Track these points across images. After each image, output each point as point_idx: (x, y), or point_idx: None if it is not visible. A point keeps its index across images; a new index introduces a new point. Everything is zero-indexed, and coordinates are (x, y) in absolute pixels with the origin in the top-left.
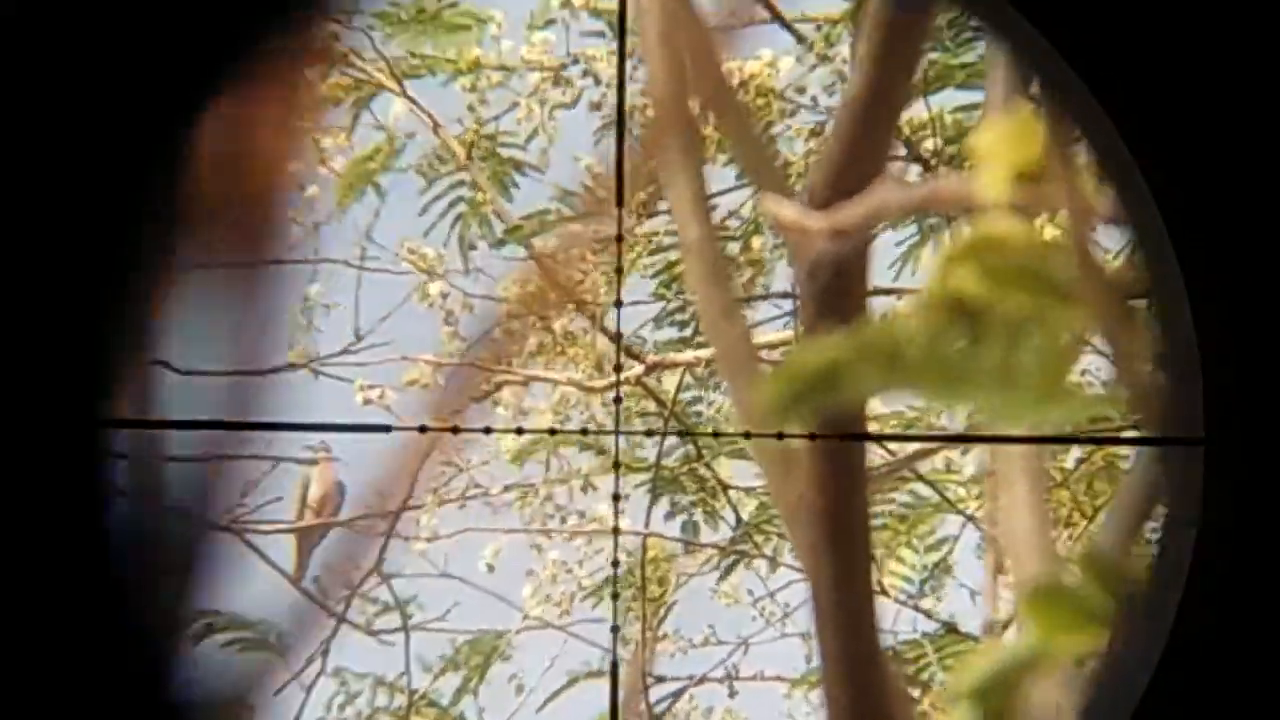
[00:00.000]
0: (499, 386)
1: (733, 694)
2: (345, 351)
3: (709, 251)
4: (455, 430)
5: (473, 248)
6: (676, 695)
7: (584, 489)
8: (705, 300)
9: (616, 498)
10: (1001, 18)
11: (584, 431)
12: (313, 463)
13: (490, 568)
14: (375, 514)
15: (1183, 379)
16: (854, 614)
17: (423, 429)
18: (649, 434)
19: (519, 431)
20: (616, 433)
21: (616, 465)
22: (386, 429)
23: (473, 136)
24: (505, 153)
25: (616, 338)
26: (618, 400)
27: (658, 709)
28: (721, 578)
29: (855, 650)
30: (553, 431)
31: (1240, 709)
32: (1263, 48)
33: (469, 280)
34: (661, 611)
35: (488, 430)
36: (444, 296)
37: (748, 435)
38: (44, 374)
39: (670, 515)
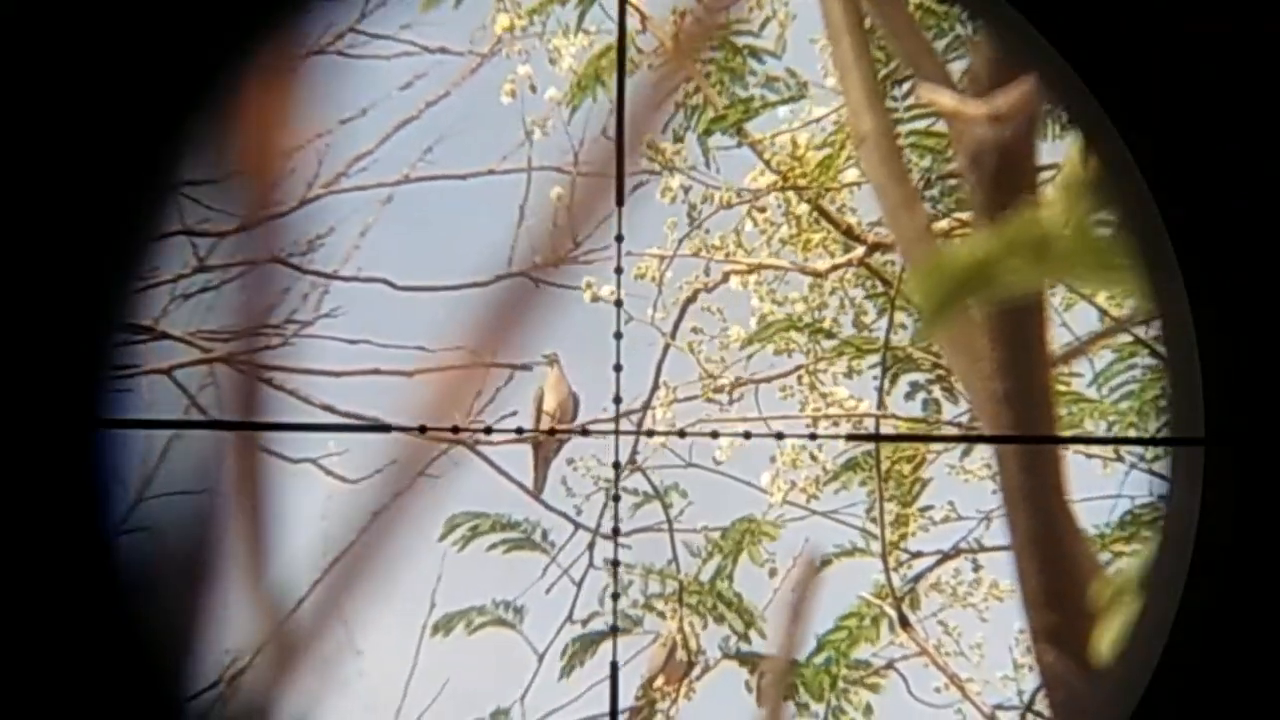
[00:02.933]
0: (726, 276)
1: (977, 569)
2: (567, 259)
3: (885, 142)
4: (455, 430)
5: (678, 139)
6: (918, 576)
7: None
8: (883, 191)
9: (616, 498)
10: (1001, 17)
11: (584, 432)
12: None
13: (717, 461)
14: (605, 420)
15: (1183, 379)
16: (1041, 494)
17: (423, 429)
18: (650, 434)
19: (519, 431)
20: (617, 432)
21: (616, 466)
22: (387, 428)
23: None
24: (740, 40)
25: (617, 336)
26: (617, 400)
27: (904, 588)
28: (964, 455)
29: (1043, 529)
30: (552, 431)
31: (1240, 707)
32: (1262, 48)
33: (709, 174)
34: (916, 489)
35: (488, 430)
36: (685, 190)
37: (747, 436)
38: (44, 374)
39: (910, 395)
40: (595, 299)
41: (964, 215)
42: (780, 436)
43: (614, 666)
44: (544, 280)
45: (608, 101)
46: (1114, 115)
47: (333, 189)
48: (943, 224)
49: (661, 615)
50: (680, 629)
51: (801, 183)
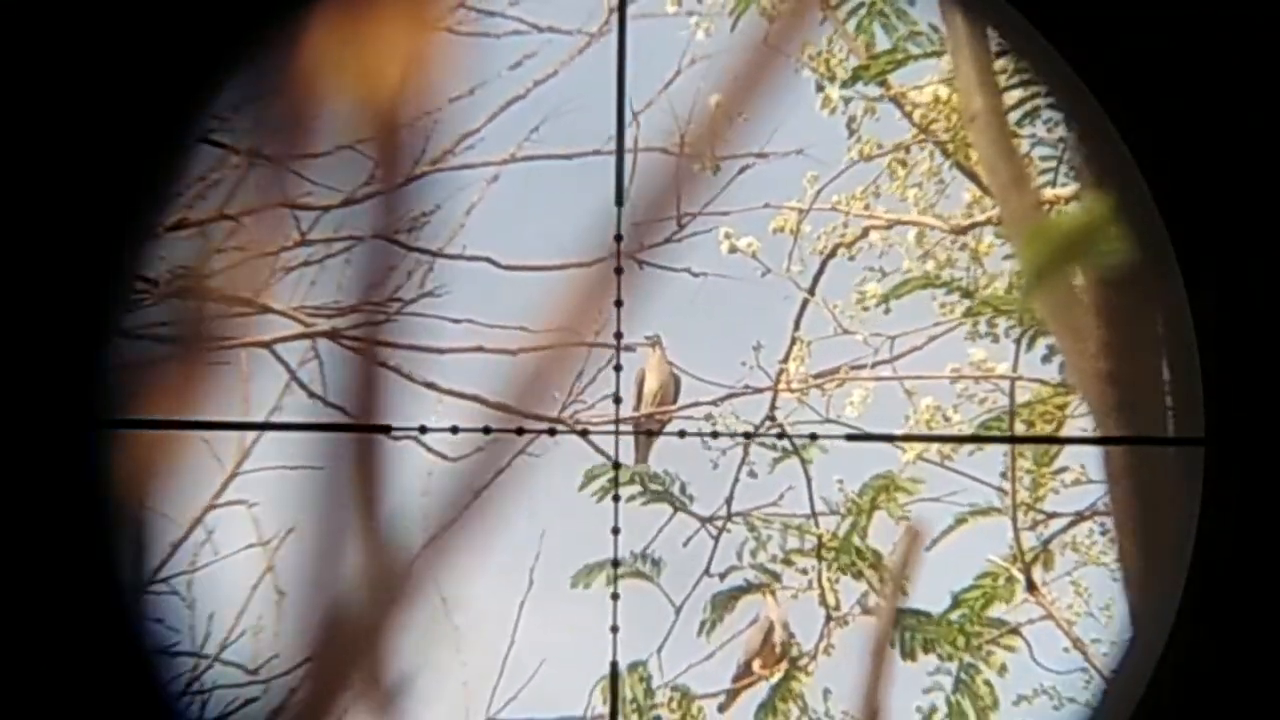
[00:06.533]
0: (865, 231)
1: (1106, 532)
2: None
3: (995, 120)
4: (455, 430)
5: (820, 89)
6: (1049, 539)
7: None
8: (994, 169)
9: (616, 498)
10: (1001, 17)
11: (584, 432)
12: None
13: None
14: (706, 403)
15: (1183, 379)
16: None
17: (422, 429)
18: (649, 434)
19: (519, 432)
20: (617, 433)
21: (616, 465)
22: (387, 429)
23: None
24: None
25: (617, 337)
26: (617, 400)
27: (1036, 549)
28: None
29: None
30: (552, 431)
31: (1240, 707)
32: (1262, 48)
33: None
34: (1053, 450)
35: (487, 430)
36: (845, 102)
37: (748, 436)
38: (43, 374)
39: (1047, 358)
40: (733, 250)
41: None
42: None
43: (614, 666)
44: (648, 261)
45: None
46: (1114, 115)
47: (439, 167)
48: (1052, 195)
49: (803, 571)
50: (819, 584)
51: (943, 137)
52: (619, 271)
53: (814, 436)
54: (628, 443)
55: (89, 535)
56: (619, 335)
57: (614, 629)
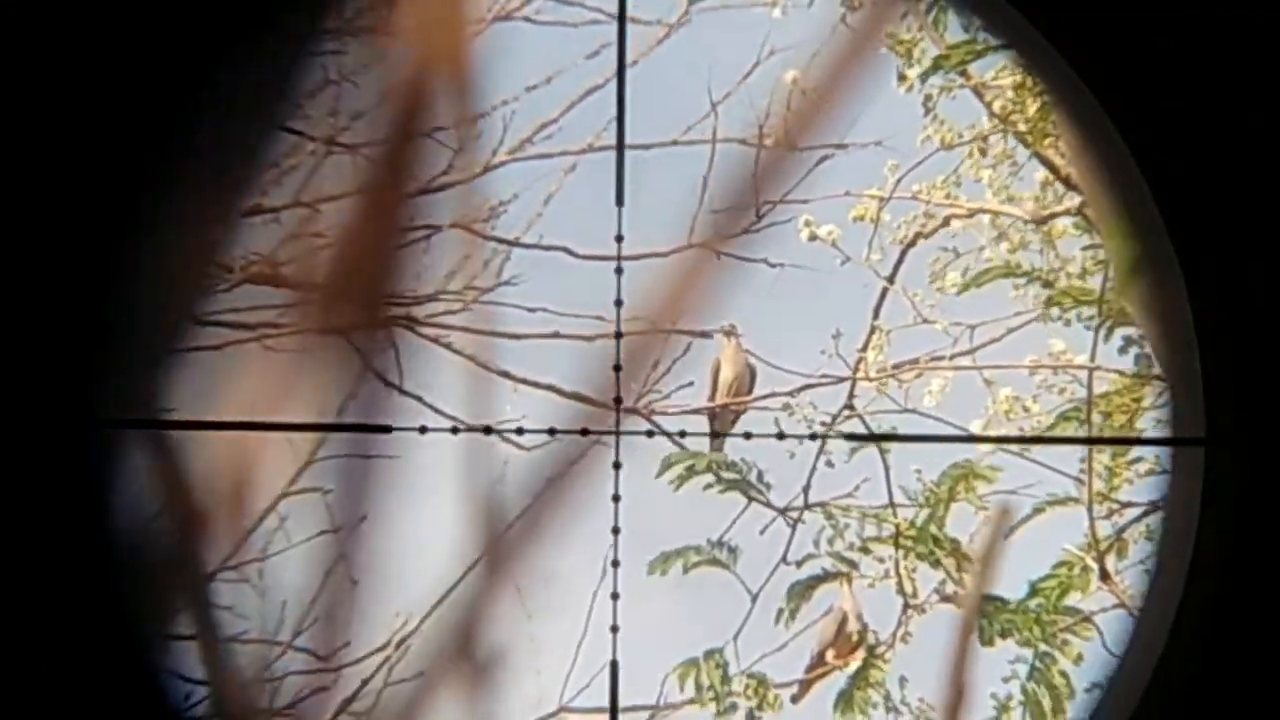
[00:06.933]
0: (946, 220)
1: None
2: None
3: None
4: (455, 430)
5: (901, 77)
6: (1123, 528)
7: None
8: (1075, 147)
9: (616, 498)
10: (1001, 18)
11: (585, 432)
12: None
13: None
14: (783, 393)
15: (1183, 379)
16: None
17: (422, 430)
18: (649, 434)
19: (519, 431)
20: (617, 433)
21: (617, 466)
22: (387, 429)
23: None
24: None
25: (617, 336)
26: (618, 401)
27: (1110, 539)
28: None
29: None
30: (552, 431)
31: (1240, 707)
32: (1262, 48)
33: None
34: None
35: (488, 430)
36: (922, 80)
37: (748, 436)
38: (43, 374)
39: (1123, 349)
40: (813, 238)
41: None
42: (824, 437)
43: (614, 665)
44: (725, 253)
45: None
46: (1114, 115)
47: (517, 156)
48: None
49: (880, 560)
50: (896, 572)
51: (1022, 128)
52: (619, 272)
53: (814, 436)
54: (628, 443)
55: (89, 535)
56: (619, 335)
57: (614, 629)
